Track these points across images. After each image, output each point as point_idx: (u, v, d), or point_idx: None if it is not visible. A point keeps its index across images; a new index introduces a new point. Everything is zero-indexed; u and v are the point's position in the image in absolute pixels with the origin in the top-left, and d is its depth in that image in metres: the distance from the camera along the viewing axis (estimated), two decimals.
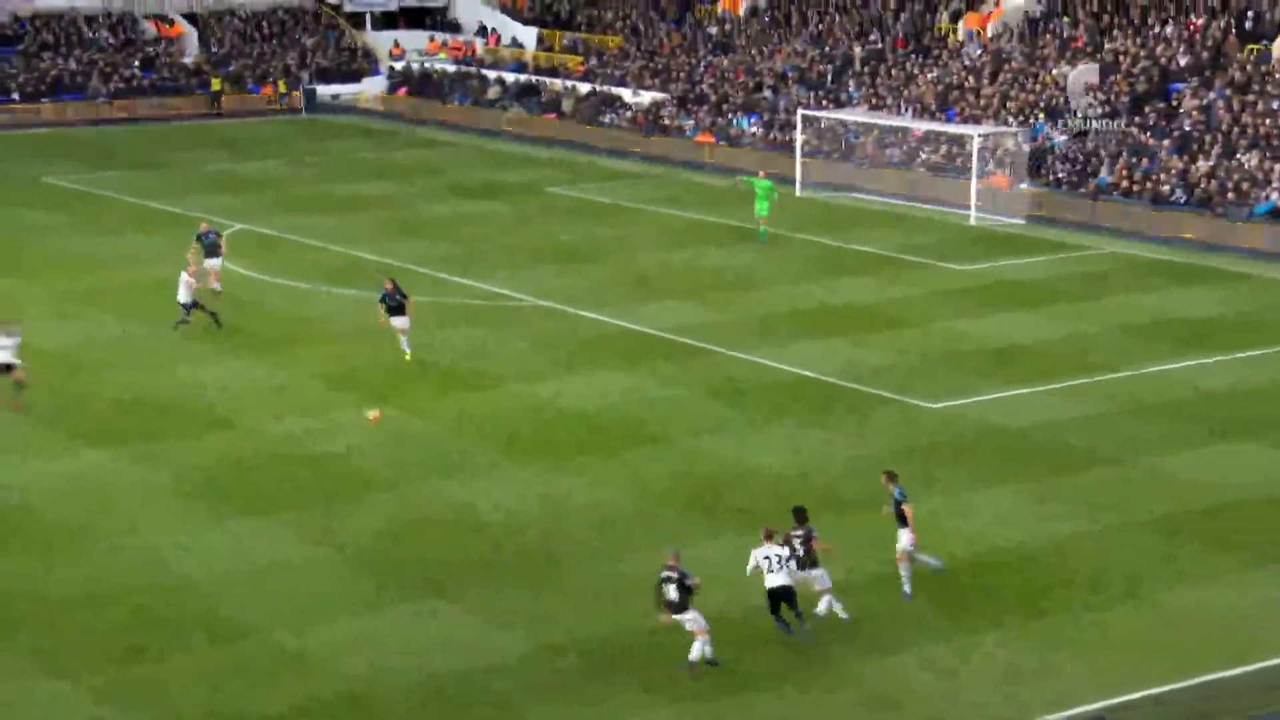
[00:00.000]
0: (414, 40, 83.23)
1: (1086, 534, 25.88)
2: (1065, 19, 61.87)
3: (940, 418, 31.67)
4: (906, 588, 23.34)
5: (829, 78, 65.05)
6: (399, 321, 35.08)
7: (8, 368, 31.81)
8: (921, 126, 57.74)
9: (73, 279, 42.90)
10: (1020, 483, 28.08)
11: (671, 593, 21.23)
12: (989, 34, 63.33)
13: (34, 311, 38.92)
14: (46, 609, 23.01)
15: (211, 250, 40.37)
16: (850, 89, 63.45)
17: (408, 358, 34.68)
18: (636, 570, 24.15)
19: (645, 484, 28.01)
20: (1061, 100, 56.92)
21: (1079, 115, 55.59)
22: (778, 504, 26.87)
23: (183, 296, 36.71)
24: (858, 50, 65.88)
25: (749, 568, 22.13)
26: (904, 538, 23.35)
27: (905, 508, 23.36)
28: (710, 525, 26.12)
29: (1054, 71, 58.64)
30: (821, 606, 22.48)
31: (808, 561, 22.26)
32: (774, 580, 21.88)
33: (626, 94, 70.25)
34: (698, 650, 21.20)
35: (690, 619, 21.21)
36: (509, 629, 22.58)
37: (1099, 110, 55.51)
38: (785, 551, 22.02)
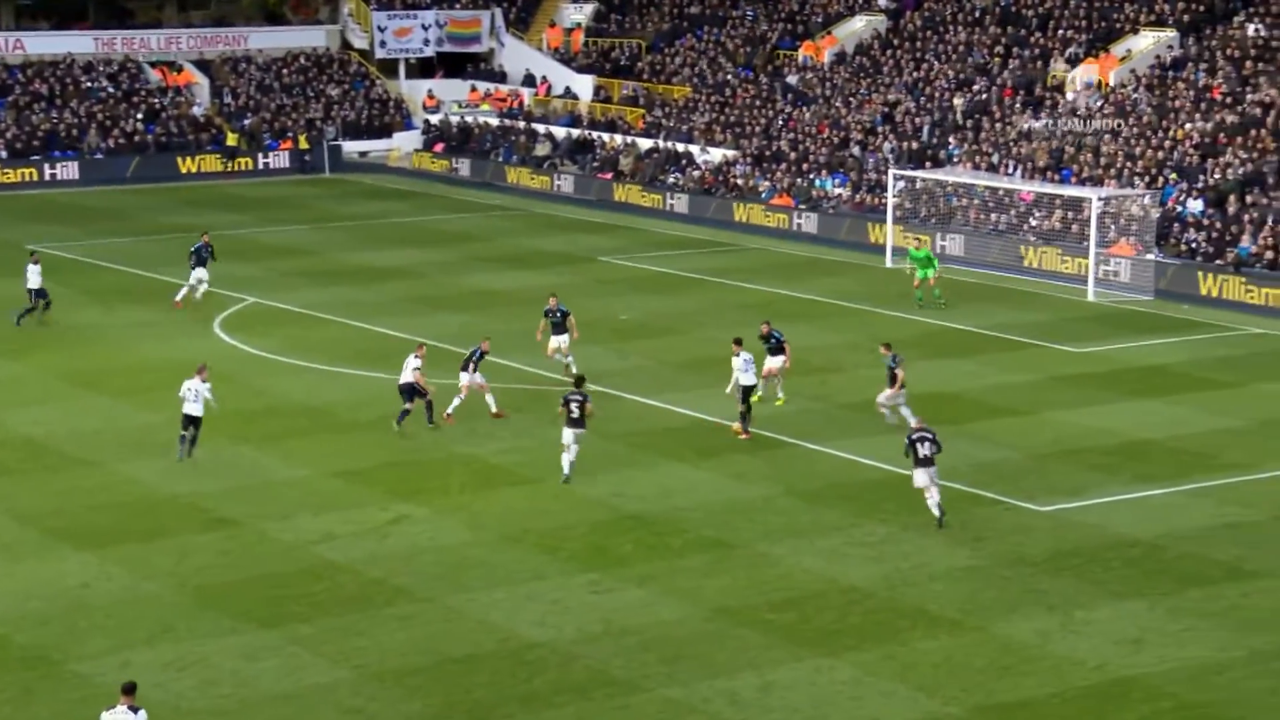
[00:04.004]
0: (453, 90, 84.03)
1: (1231, 661, 25.37)
2: (1201, 66, 61.69)
3: (1051, 522, 31.29)
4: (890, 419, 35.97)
5: (925, 132, 65.07)
6: (559, 340, 40.12)
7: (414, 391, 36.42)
8: (1032, 189, 57.56)
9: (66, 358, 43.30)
10: (1147, 598, 27.58)
11: (926, 449, 30.28)
12: (1112, 83, 63.21)
13: (16, 396, 39.31)
14: None
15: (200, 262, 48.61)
16: (950, 146, 63.43)
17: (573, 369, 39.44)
18: (695, 697, 23.85)
19: (711, 597, 27.70)
20: (1196, 159, 56.64)
21: (1215, 174, 55.28)
22: (864, 620, 26.61)
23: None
24: (958, 102, 65.91)
25: (733, 379, 35.75)
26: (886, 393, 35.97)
27: (898, 373, 35.89)
28: (791, 649, 25.74)
29: (1187, 126, 58.40)
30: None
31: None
32: (747, 379, 35.85)
33: (694, 151, 70.55)
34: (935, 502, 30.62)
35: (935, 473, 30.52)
36: None
37: (1240, 170, 55.19)
38: (750, 357, 35.89)
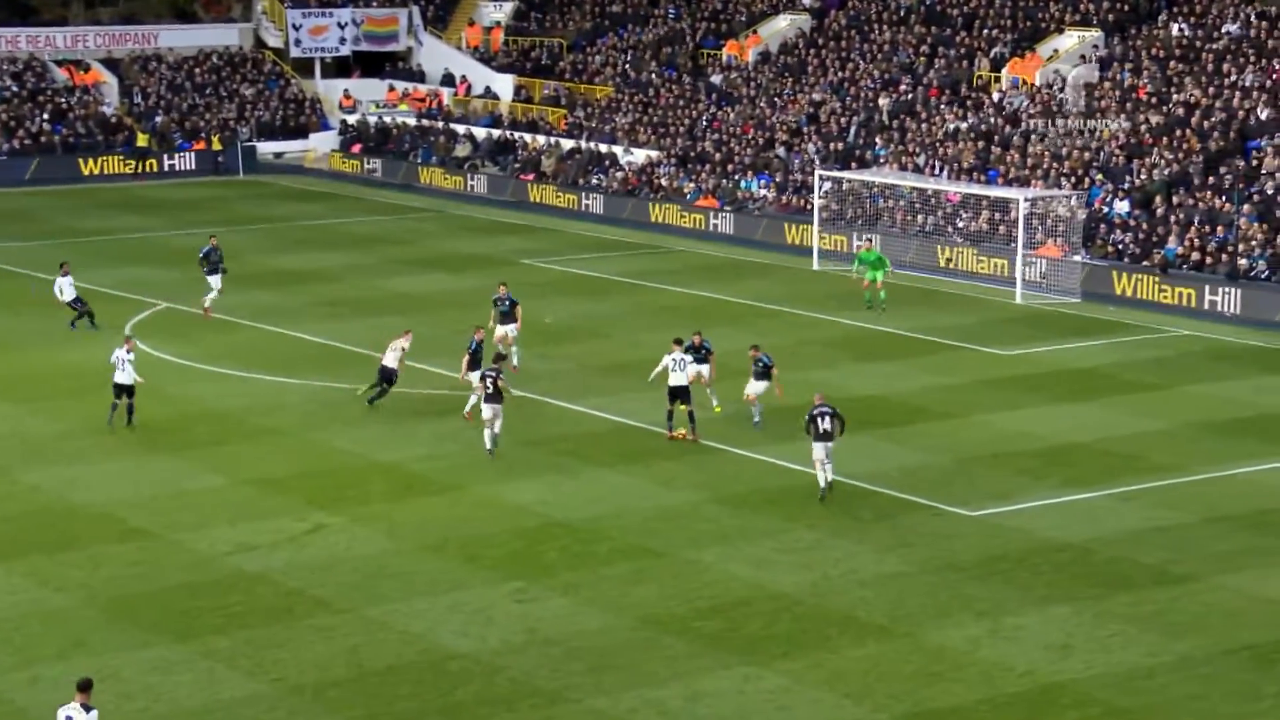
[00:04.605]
0: (370, 90, 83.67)
1: (1159, 666, 25.61)
2: (1127, 66, 62.29)
3: (980, 527, 31.49)
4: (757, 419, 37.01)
5: (851, 133, 65.37)
6: (506, 329, 41.10)
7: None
8: (959, 189, 57.93)
9: None
10: (1076, 603, 27.80)
11: (826, 424, 31.78)
12: (1037, 82, 63.73)
13: None
14: None
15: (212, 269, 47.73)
16: (876, 146, 63.74)
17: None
18: (621, 707, 23.84)
19: (638, 605, 27.70)
20: (1122, 159, 57.18)
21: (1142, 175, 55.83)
22: (792, 627, 26.69)
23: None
24: (884, 101, 66.25)
25: (656, 370, 36.03)
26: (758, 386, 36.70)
27: (774, 370, 36.54)
28: (718, 657, 25.78)
29: (1113, 126, 58.95)
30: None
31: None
32: (677, 379, 35.50)
33: (617, 152, 70.57)
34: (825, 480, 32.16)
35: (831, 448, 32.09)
36: None
37: (1166, 171, 55.74)
38: (689, 357, 35.82)
